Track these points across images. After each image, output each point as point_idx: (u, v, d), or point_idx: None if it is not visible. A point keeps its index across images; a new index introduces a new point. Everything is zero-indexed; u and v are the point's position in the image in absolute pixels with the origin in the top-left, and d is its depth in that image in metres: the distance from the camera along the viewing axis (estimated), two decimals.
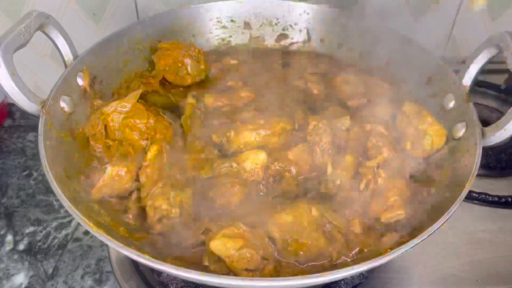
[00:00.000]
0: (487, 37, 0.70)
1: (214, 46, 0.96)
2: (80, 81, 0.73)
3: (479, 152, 0.62)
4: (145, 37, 0.86)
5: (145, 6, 1.01)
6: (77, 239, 0.83)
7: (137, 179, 0.66)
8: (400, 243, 0.52)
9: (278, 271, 0.58)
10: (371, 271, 0.71)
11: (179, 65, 0.84)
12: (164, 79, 0.85)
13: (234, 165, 0.68)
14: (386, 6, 1.01)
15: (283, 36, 0.98)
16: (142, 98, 0.75)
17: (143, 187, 0.64)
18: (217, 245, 0.55)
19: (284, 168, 0.69)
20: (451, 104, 0.73)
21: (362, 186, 0.66)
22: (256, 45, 0.98)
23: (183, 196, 0.62)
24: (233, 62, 0.91)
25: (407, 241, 0.52)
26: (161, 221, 0.61)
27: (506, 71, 0.97)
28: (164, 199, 0.61)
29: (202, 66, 0.86)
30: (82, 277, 0.77)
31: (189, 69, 0.84)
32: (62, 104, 0.68)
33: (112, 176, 0.63)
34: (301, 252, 0.59)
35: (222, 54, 0.94)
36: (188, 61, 0.84)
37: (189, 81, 0.85)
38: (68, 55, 0.73)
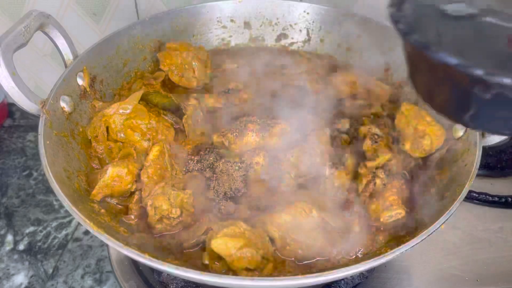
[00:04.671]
0: None
1: (214, 46, 0.96)
2: (80, 81, 0.73)
3: (479, 152, 0.62)
4: (145, 37, 0.86)
5: (145, 6, 1.01)
6: (77, 239, 0.83)
7: (138, 180, 0.66)
8: (400, 243, 0.52)
9: (278, 271, 0.58)
10: (371, 271, 0.71)
11: (186, 66, 0.83)
12: (166, 79, 0.84)
13: (235, 165, 0.68)
14: (386, 6, 1.01)
15: (283, 36, 0.98)
16: (143, 99, 0.75)
17: (144, 187, 0.64)
18: (219, 244, 0.55)
19: (284, 169, 0.69)
20: None
21: (361, 186, 0.66)
22: (256, 45, 0.98)
23: (183, 196, 0.62)
24: (233, 65, 0.91)
25: (407, 241, 0.52)
26: (162, 221, 0.61)
27: None
28: (164, 199, 0.61)
29: (209, 71, 0.86)
30: (82, 277, 0.77)
31: (196, 72, 0.84)
32: (62, 104, 0.68)
33: (113, 177, 0.63)
34: (300, 251, 0.59)
35: (222, 56, 0.95)
36: (196, 64, 0.84)
37: (194, 84, 0.84)
38: (68, 55, 0.73)
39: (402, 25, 0.39)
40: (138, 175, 0.66)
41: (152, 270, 0.70)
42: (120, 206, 0.65)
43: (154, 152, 0.66)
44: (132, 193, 0.65)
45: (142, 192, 0.64)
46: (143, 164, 0.66)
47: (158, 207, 0.61)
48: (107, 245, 0.79)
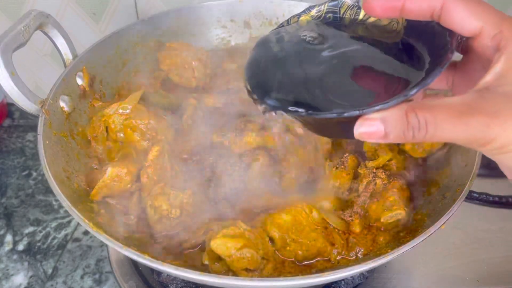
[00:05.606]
0: None
1: (214, 46, 0.96)
2: (79, 81, 0.73)
3: (479, 152, 0.62)
4: (145, 37, 0.86)
5: (145, 6, 1.01)
6: (76, 239, 0.82)
7: (137, 180, 0.66)
8: (400, 243, 0.52)
9: (278, 271, 0.58)
10: (371, 271, 0.71)
11: (186, 66, 0.83)
12: (166, 79, 0.84)
13: (235, 165, 0.68)
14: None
15: None
16: (143, 99, 0.75)
17: (144, 187, 0.64)
18: (218, 245, 0.55)
19: (284, 169, 0.69)
20: None
21: (361, 186, 0.66)
22: None
23: (183, 196, 0.62)
24: (233, 65, 0.91)
25: (407, 241, 0.52)
26: (161, 221, 0.61)
27: None
28: (164, 199, 0.61)
29: (209, 71, 0.86)
30: (81, 277, 0.77)
31: (195, 72, 0.83)
32: (62, 104, 0.68)
33: (113, 177, 0.63)
34: (300, 252, 0.59)
35: (222, 56, 0.94)
36: (196, 64, 0.83)
37: (194, 84, 0.84)
38: (67, 54, 0.73)
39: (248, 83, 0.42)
40: (138, 175, 0.66)
41: (152, 270, 0.70)
42: (119, 206, 0.65)
43: (154, 152, 0.66)
44: (131, 193, 0.65)
45: (142, 192, 0.64)
46: (143, 164, 0.66)
47: (158, 207, 0.60)
48: (106, 246, 0.79)
